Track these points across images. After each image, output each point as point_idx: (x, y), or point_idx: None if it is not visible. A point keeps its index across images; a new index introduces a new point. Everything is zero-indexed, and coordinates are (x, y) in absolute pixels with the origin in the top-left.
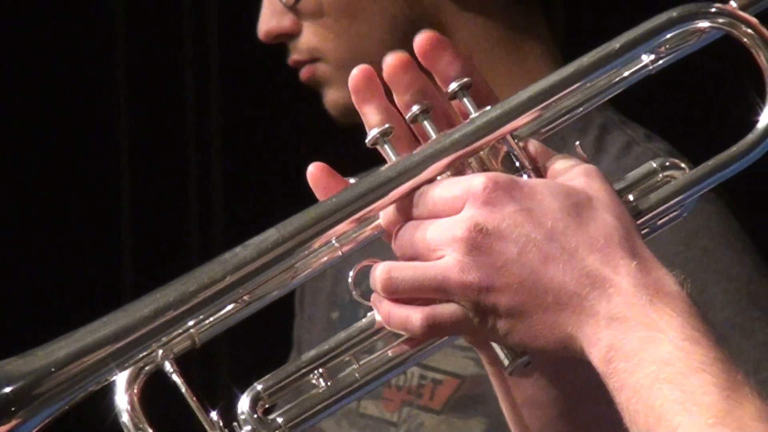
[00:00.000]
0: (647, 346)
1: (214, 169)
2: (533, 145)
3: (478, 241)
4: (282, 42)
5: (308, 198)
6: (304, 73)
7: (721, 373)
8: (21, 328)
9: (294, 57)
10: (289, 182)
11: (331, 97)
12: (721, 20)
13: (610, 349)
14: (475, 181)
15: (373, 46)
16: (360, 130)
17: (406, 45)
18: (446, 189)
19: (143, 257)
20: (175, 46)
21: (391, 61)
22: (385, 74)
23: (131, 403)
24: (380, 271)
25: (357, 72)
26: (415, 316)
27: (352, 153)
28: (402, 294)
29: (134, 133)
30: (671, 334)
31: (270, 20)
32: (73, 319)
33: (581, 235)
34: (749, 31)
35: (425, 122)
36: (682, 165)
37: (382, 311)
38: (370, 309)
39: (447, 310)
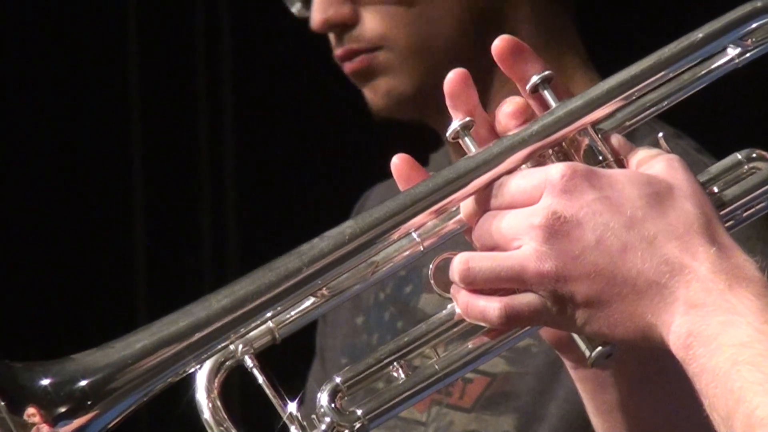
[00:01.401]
0: (726, 330)
1: (226, 171)
2: (616, 139)
3: (556, 229)
4: (333, 32)
5: (319, 203)
6: (359, 63)
7: None
8: (29, 334)
9: (351, 46)
10: (301, 182)
11: (386, 86)
12: None
13: (689, 335)
14: (553, 170)
15: (441, 31)
16: (393, 126)
17: (472, 33)
18: (525, 179)
19: (155, 258)
20: (188, 61)
21: (452, 76)
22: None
23: (212, 398)
24: (458, 262)
25: (453, 75)
26: (492, 306)
27: (361, 153)
28: (480, 284)
29: (147, 137)
30: (750, 318)
31: (327, 9)
32: (85, 323)
33: (660, 222)
34: None
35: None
36: None
37: (461, 302)
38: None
39: (525, 299)
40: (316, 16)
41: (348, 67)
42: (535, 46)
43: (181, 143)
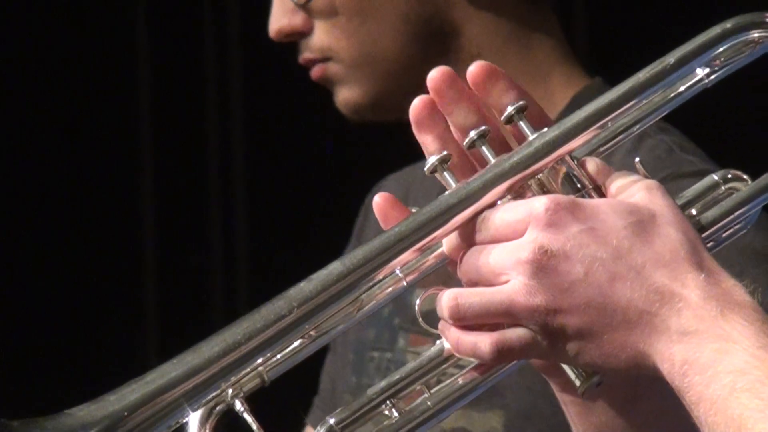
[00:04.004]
0: (722, 357)
1: (235, 170)
2: (592, 164)
3: (543, 263)
4: (293, 41)
5: (328, 201)
6: (315, 72)
7: None
8: (32, 335)
9: (305, 56)
10: (310, 181)
11: (342, 96)
12: None
13: (684, 363)
14: (537, 204)
15: (385, 45)
16: (374, 128)
17: (418, 44)
18: (508, 213)
19: (164, 257)
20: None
21: (434, 74)
22: (430, 87)
23: None
24: (447, 299)
25: (418, 102)
26: (484, 342)
27: (369, 151)
28: (470, 320)
29: (157, 135)
30: (745, 344)
31: (281, 19)
32: (93, 323)
33: (647, 251)
34: None
35: (483, 147)
36: (744, 177)
37: (451, 339)
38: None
39: (515, 334)
40: (271, 26)
41: (311, 75)
42: (500, 49)
43: (190, 141)
